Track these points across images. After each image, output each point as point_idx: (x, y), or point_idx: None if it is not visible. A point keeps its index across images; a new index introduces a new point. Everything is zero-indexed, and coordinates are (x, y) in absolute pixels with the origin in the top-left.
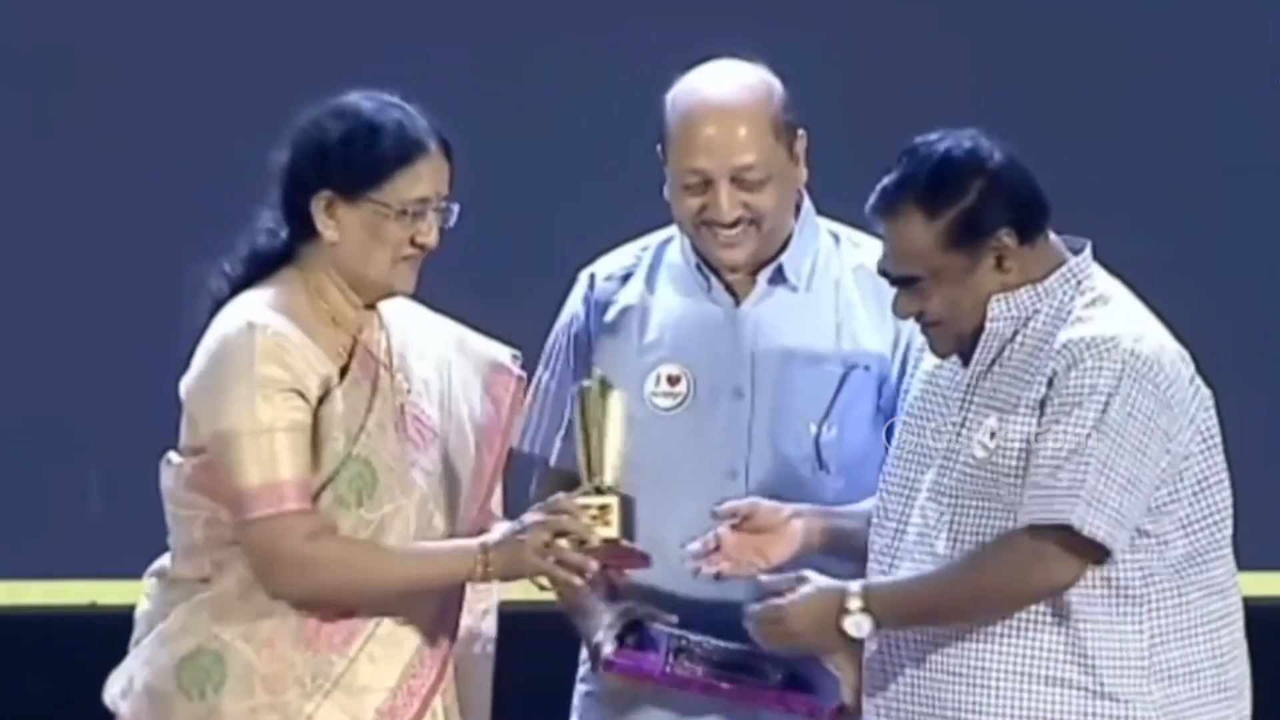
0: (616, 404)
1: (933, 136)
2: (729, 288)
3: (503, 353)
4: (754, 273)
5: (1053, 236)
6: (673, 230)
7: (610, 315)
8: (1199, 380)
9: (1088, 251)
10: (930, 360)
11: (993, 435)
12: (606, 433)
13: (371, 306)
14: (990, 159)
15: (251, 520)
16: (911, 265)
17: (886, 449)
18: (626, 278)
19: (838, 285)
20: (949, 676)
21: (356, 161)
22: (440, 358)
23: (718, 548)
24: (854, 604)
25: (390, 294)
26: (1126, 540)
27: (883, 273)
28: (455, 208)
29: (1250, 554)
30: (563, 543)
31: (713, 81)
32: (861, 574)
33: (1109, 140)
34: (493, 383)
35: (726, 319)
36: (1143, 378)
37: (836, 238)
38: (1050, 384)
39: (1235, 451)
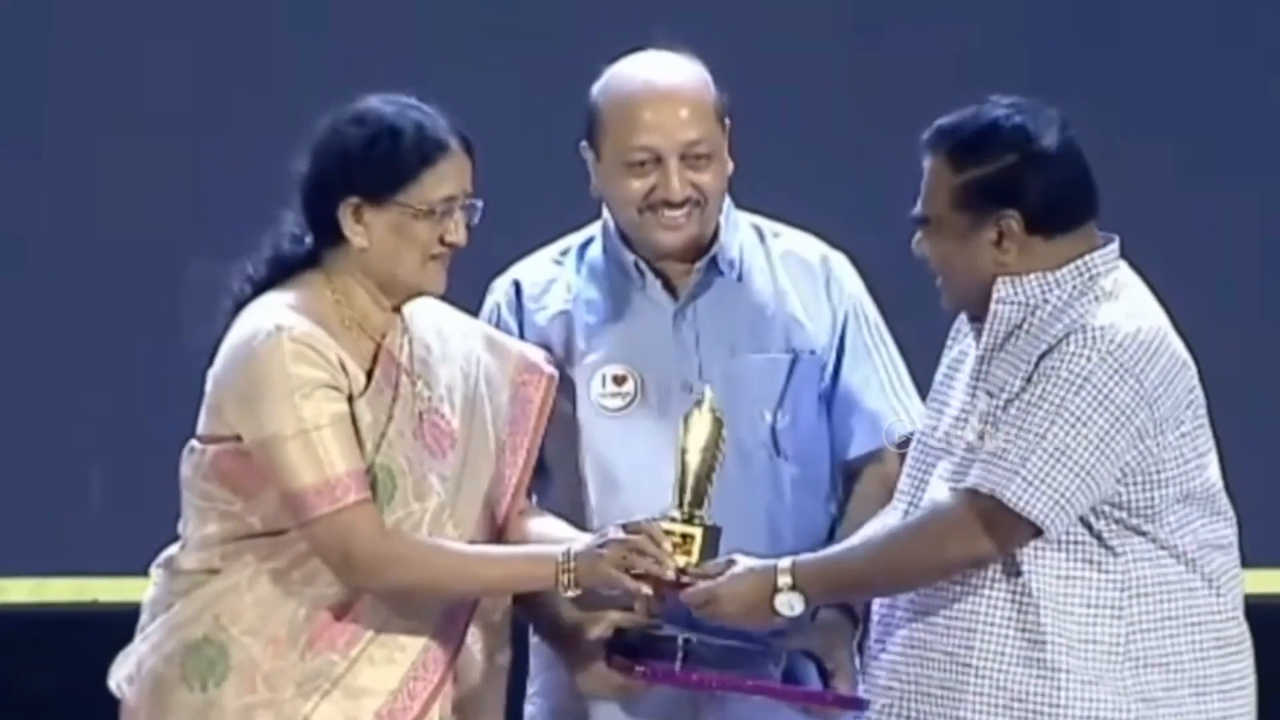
0: (719, 435)
1: (1008, 99)
2: (665, 283)
3: (535, 352)
4: (689, 264)
5: (1092, 230)
6: (591, 232)
7: (541, 321)
8: (1199, 390)
9: (1111, 247)
10: (956, 349)
11: (982, 418)
12: (701, 461)
13: (398, 309)
14: (1036, 141)
15: (315, 519)
16: (926, 207)
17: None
18: (551, 282)
19: (769, 273)
20: (938, 657)
21: (381, 166)
22: (468, 357)
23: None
24: (783, 581)
25: (420, 294)
26: (1065, 525)
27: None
28: (479, 204)
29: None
30: (641, 563)
31: (649, 67)
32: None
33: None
34: (524, 382)
35: (666, 314)
36: (1125, 370)
37: (758, 229)
38: (1036, 366)
39: (1237, 450)
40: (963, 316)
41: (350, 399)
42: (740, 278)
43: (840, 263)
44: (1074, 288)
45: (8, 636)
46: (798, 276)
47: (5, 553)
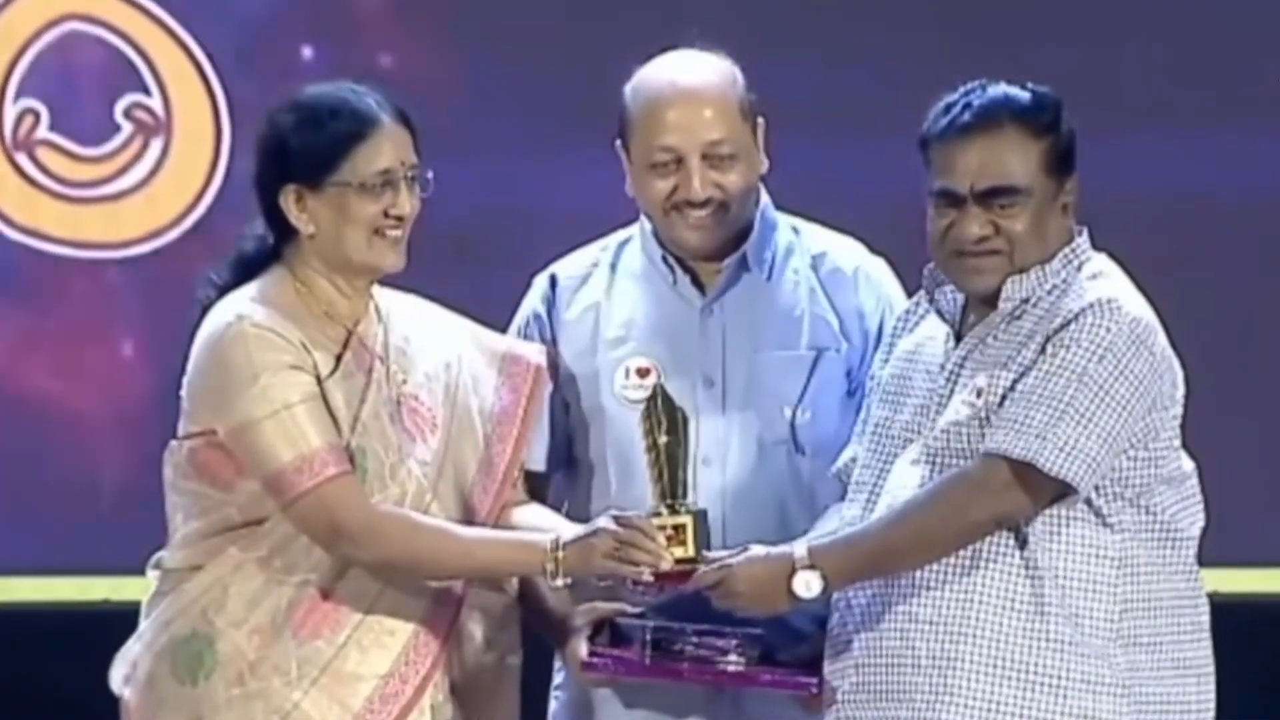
0: (681, 421)
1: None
2: (694, 279)
3: (525, 346)
4: (719, 261)
5: None
6: (631, 231)
7: (572, 314)
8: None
9: (1086, 235)
10: (911, 340)
11: (980, 393)
12: (676, 448)
13: (368, 295)
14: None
15: (298, 495)
16: (1009, 178)
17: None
18: (587, 277)
19: (801, 272)
20: (926, 628)
21: (310, 149)
22: (451, 351)
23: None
24: (802, 562)
25: (378, 273)
26: (1092, 484)
27: (947, 193)
28: (429, 174)
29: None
30: (638, 557)
31: (676, 67)
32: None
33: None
34: (511, 373)
35: (694, 309)
36: (1140, 343)
37: (796, 229)
38: (1049, 339)
39: (1238, 445)
40: (913, 306)
41: (318, 381)
42: (770, 276)
43: (877, 267)
44: (1066, 274)
45: (15, 635)
46: (829, 278)
47: (13, 551)
